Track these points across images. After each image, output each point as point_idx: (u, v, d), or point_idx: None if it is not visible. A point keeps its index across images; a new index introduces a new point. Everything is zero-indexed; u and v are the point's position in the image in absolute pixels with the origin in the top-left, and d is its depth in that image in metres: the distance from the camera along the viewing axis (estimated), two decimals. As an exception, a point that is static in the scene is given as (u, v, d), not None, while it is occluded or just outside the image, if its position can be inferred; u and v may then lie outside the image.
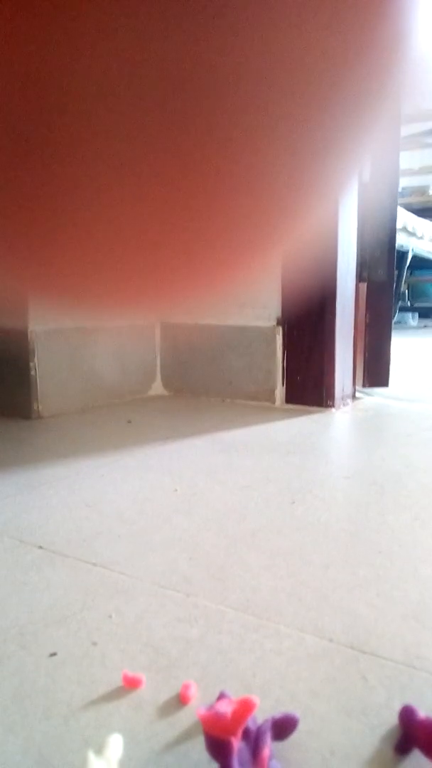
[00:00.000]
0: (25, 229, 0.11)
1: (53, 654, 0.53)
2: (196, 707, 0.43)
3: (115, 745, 0.30)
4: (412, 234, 3.95)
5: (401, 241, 3.72)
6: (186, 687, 0.48)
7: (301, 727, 0.43)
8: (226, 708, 0.36)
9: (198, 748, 0.41)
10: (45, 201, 0.10)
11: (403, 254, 3.90)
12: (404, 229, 3.77)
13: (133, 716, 0.45)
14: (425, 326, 5.04)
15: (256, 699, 0.37)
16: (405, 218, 3.79)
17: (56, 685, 0.49)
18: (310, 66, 0.10)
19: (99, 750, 0.29)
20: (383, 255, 1.75)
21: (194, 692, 0.48)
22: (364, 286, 1.78)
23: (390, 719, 0.45)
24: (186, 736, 0.43)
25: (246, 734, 0.37)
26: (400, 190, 2.15)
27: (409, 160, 5.43)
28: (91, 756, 0.28)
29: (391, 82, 0.11)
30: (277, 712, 0.43)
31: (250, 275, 0.14)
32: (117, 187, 0.10)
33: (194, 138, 0.10)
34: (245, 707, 0.36)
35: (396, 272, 2.44)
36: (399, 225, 3.16)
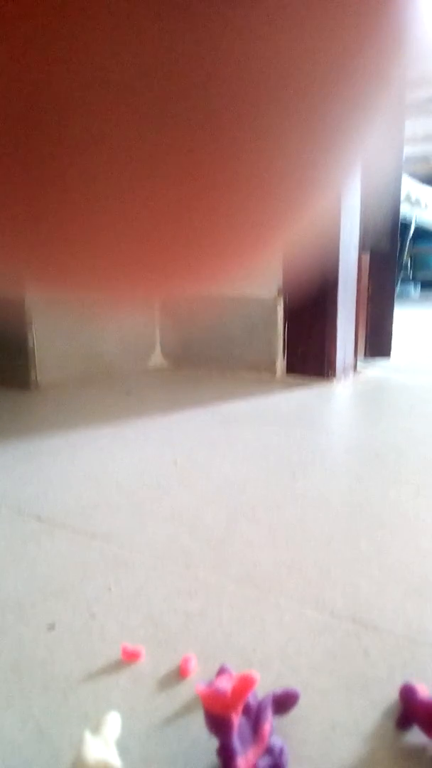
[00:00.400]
0: (23, 212, 0.11)
1: (52, 626, 0.53)
2: (196, 683, 0.43)
3: (113, 723, 0.29)
4: (416, 204, 3.89)
5: (404, 211, 3.65)
6: (186, 660, 0.47)
7: (302, 701, 0.43)
8: (225, 684, 0.35)
9: (198, 721, 0.40)
10: (43, 181, 0.10)
11: (406, 225, 3.85)
12: (407, 199, 3.70)
13: (133, 690, 0.45)
14: (427, 298, 5.00)
15: (256, 674, 0.36)
16: (408, 187, 3.72)
17: (55, 658, 0.49)
18: (313, 48, 0.10)
19: (96, 729, 0.28)
20: (387, 225, 1.72)
21: (194, 666, 0.47)
22: (366, 256, 1.75)
23: (392, 694, 0.44)
24: (186, 710, 0.43)
25: (246, 710, 0.37)
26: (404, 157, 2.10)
27: (412, 127, 5.30)
28: (88, 735, 0.27)
29: (398, 62, 0.11)
30: (278, 687, 0.42)
31: (253, 258, 0.14)
32: (118, 174, 0.10)
33: (196, 117, 0.10)
34: (245, 683, 0.36)
35: (399, 243, 2.39)
36: (403, 194, 3.10)
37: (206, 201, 0.11)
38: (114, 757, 0.27)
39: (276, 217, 0.13)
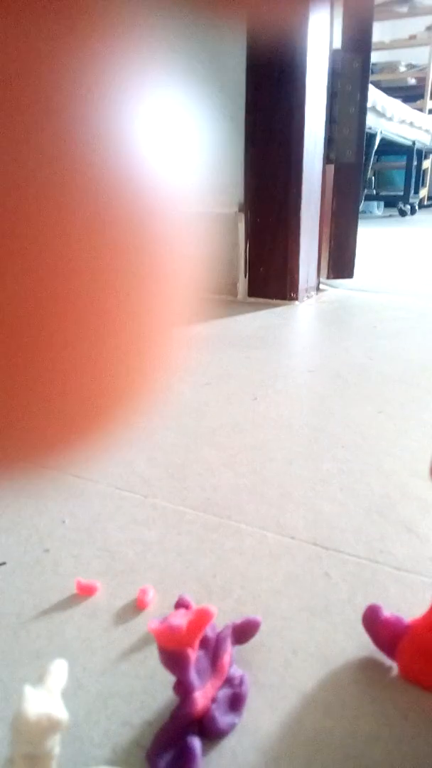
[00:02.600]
0: None
1: (2, 563, 0.50)
2: (149, 619, 0.41)
3: (59, 672, 0.27)
4: (382, 114, 3.73)
5: (370, 122, 3.50)
6: (143, 592, 0.46)
7: (262, 627, 0.42)
8: (180, 620, 0.33)
9: (156, 655, 0.39)
10: None
11: (371, 137, 3.70)
12: (373, 109, 3.54)
13: (88, 625, 0.43)
14: (390, 215, 4.92)
15: (213, 609, 0.35)
16: (375, 97, 3.55)
17: (5, 596, 0.46)
18: None
19: (39, 679, 0.26)
20: (352, 133, 1.63)
21: (152, 597, 0.46)
22: (331, 168, 1.67)
23: (352, 616, 0.44)
24: (143, 644, 0.41)
25: (204, 642, 0.35)
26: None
27: (380, 32, 5.02)
28: (28, 689, 0.25)
29: None
30: (239, 614, 0.41)
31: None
32: None
33: None
34: (202, 618, 0.34)
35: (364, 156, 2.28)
36: (369, 103, 2.95)
37: None
38: (59, 709, 0.25)
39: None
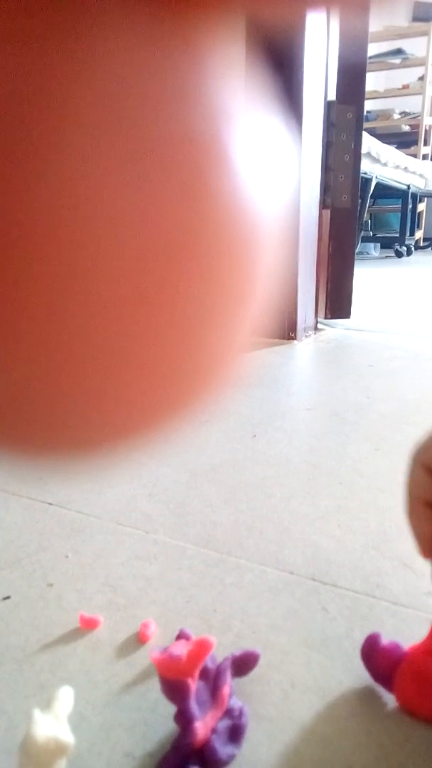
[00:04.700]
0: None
1: (6, 597, 0.51)
2: (151, 649, 0.42)
3: (65, 698, 0.28)
4: (377, 160, 3.85)
5: (365, 167, 3.61)
6: (145, 626, 0.47)
7: (262, 661, 0.43)
8: (181, 650, 0.35)
9: (157, 687, 0.40)
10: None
11: (366, 181, 3.81)
12: (368, 155, 3.66)
13: (91, 658, 0.44)
14: (387, 256, 5.02)
15: (213, 639, 0.36)
16: (369, 143, 3.67)
17: (9, 629, 0.47)
18: None
19: (47, 704, 0.27)
20: (347, 179, 1.69)
21: (153, 631, 0.47)
22: (327, 213, 1.73)
23: (350, 650, 0.45)
24: (145, 676, 0.42)
25: (205, 674, 0.36)
26: (365, 112, 2.05)
27: (374, 82, 5.22)
28: (37, 713, 0.26)
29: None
30: (237, 649, 0.42)
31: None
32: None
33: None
34: (201, 648, 0.35)
35: (359, 200, 2.36)
36: (364, 150, 3.05)
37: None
38: (66, 733, 0.26)
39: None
